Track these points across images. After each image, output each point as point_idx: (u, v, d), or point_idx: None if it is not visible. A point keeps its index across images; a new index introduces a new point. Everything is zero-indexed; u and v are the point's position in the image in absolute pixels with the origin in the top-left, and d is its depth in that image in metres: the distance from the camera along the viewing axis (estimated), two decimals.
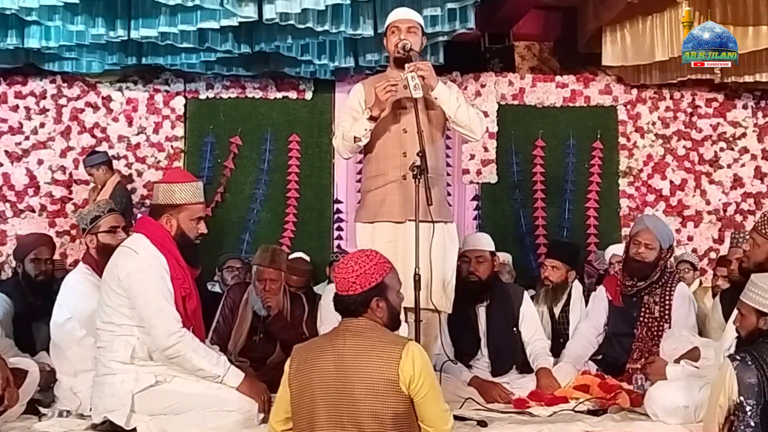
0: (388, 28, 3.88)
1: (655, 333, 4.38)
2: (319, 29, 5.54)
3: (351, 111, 3.90)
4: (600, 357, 4.60)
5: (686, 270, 6.09)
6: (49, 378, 3.89)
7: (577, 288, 5.04)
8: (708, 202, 7.46)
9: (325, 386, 2.66)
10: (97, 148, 6.92)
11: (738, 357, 2.97)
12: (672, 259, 6.71)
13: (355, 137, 3.74)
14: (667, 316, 4.38)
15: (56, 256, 6.48)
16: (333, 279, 3.28)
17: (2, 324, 4.25)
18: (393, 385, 2.59)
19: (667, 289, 4.43)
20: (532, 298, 4.88)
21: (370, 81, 4.02)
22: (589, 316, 4.68)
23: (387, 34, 3.89)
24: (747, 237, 3.94)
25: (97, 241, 3.97)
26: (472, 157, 7.26)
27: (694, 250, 7.25)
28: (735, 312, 3.19)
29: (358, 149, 3.87)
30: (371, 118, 3.70)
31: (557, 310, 4.96)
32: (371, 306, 2.72)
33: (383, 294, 2.75)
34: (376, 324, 2.73)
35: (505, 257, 5.84)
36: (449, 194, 6.37)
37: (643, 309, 4.44)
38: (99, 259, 3.89)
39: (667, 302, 4.41)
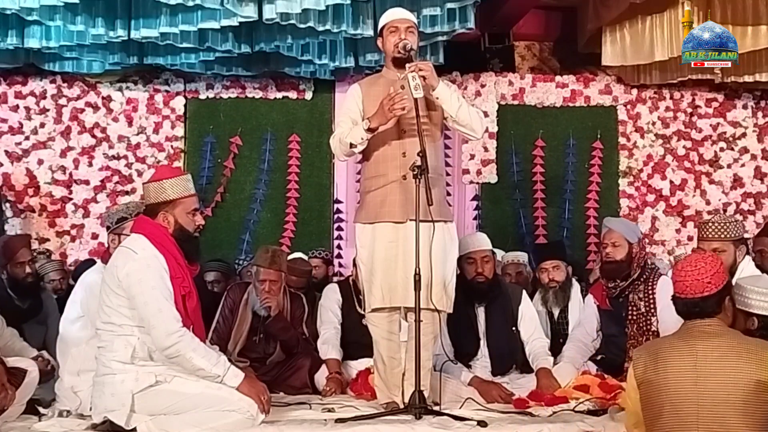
0: (385, 28, 3.86)
1: (644, 328, 4.42)
2: (320, 29, 5.54)
3: (348, 112, 3.89)
4: (600, 357, 4.60)
5: None
6: (48, 372, 3.90)
7: (575, 287, 5.05)
8: (708, 202, 7.44)
9: (683, 388, 2.70)
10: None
11: None
12: (665, 259, 6.75)
13: (351, 144, 3.73)
14: (653, 310, 4.43)
15: (56, 256, 6.51)
16: (677, 283, 2.83)
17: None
18: (764, 386, 2.62)
19: (650, 284, 4.48)
20: (534, 299, 4.88)
21: (367, 81, 4.02)
22: (581, 324, 4.74)
23: (384, 34, 3.87)
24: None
25: (119, 242, 3.94)
26: (472, 157, 7.25)
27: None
28: None
29: (353, 155, 3.87)
30: (369, 129, 3.69)
31: (556, 311, 4.96)
32: (724, 305, 2.79)
33: (730, 293, 2.84)
34: (726, 326, 2.78)
35: (522, 257, 5.79)
36: (449, 194, 6.37)
37: (630, 307, 4.50)
38: None
39: (651, 297, 4.45)
